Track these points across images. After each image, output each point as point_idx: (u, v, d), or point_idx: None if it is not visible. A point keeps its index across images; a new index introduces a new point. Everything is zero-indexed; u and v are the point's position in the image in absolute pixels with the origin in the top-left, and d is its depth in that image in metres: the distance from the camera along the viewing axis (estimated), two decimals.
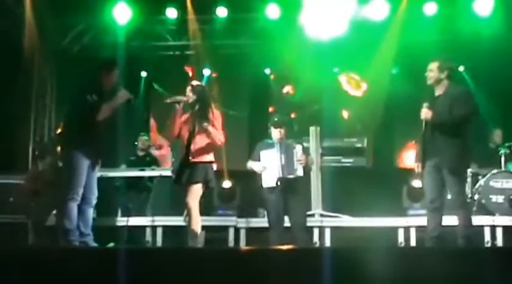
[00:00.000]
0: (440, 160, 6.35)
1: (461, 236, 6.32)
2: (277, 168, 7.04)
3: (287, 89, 12.32)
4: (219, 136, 6.61)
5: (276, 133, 7.23)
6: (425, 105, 6.42)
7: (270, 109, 12.35)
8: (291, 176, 7.01)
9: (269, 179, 7.06)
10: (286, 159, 7.05)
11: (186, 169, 6.52)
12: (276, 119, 7.45)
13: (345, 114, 12.08)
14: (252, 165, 7.22)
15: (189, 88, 6.72)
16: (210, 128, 6.53)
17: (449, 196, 9.24)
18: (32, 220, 8.03)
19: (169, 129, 6.77)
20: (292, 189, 7.04)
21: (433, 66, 6.54)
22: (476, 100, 6.68)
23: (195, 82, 6.92)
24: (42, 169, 8.10)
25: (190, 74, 11.95)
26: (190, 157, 6.52)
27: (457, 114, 6.30)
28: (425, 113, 6.38)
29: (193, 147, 6.54)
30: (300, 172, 7.05)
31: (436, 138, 6.37)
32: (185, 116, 6.70)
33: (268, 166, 7.08)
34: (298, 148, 7.14)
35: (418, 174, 6.72)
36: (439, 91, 6.52)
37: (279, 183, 7.02)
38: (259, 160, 7.15)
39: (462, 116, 6.33)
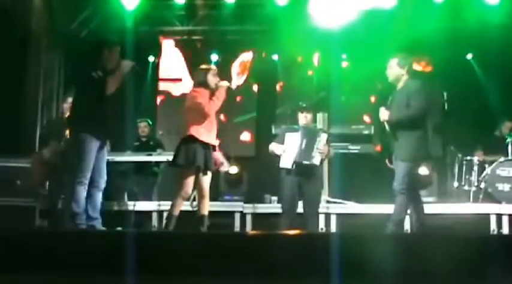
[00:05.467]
0: (396, 152, 6.37)
1: (391, 221, 6.37)
2: (296, 151, 7.03)
3: None
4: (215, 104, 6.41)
5: (301, 118, 7.24)
6: (381, 108, 6.41)
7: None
8: (306, 162, 7.00)
9: (286, 160, 7.06)
10: (306, 144, 7.03)
11: (201, 152, 6.34)
12: (302, 104, 7.46)
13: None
14: (273, 147, 7.22)
15: (213, 73, 6.51)
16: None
17: (455, 184, 9.29)
18: (40, 207, 8.10)
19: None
20: (308, 175, 7.04)
21: (392, 62, 6.48)
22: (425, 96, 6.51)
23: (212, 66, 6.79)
24: (46, 156, 8.07)
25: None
26: (206, 140, 6.37)
27: (413, 108, 6.25)
28: (383, 115, 6.37)
29: (207, 129, 6.40)
30: (316, 161, 7.03)
31: (395, 133, 6.35)
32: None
33: (289, 148, 7.06)
34: (323, 137, 7.10)
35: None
36: (399, 87, 6.49)
37: (294, 166, 7.02)
38: (283, 144, 7.15)
39: (417, 110, 6.27)
